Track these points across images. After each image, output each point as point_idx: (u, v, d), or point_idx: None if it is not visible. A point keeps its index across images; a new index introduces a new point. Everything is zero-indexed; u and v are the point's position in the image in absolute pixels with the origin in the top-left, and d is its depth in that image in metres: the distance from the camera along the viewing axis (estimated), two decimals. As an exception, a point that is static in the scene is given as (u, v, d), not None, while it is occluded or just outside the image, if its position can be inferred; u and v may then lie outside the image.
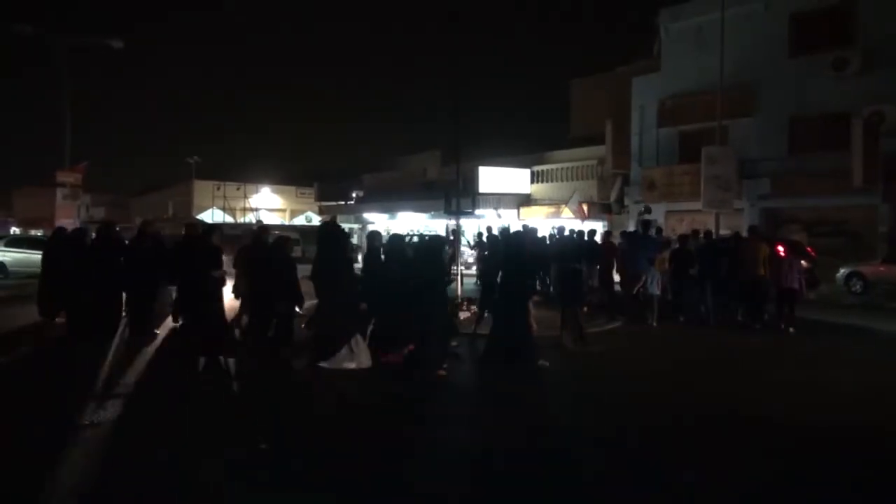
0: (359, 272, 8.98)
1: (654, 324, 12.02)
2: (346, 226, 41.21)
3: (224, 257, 8.45)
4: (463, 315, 11.38)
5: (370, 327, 8.48)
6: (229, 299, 8.93)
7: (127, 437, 5.47)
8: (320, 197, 47.11)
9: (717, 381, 7.96)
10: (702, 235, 13.76)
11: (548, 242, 15.45)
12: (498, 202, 30.34)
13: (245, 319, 9.24)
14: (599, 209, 27.58)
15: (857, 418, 6.38)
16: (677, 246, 12.99)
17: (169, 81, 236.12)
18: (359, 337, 7.93)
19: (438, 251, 8.63)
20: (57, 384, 7.31)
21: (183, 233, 9.82)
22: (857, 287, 18.21)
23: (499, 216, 25.88)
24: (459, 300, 12.15)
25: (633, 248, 13.15)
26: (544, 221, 26.33)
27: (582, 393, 7.44)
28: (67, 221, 21.01)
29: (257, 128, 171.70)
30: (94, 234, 10.58)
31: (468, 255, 23.31)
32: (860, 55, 19.68)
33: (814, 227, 20.78)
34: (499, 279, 8.88)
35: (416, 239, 23.06)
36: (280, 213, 63.58)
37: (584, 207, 26.44)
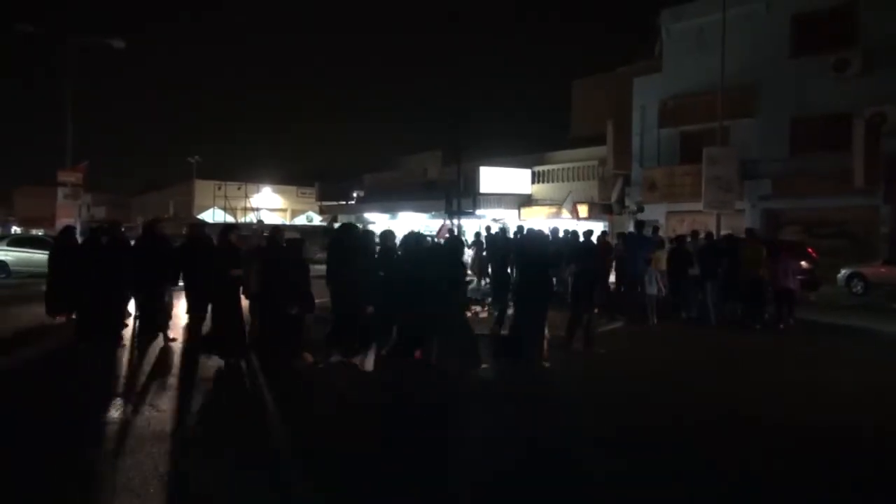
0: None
1: (655, 321, 12.06)
2: (346, 226, 41.27)
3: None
4: (482, 314, 11.37)
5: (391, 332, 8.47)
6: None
7: (129, 438, 5.48)
8: (321, 197, 47.15)
9: (717, 382, 7.95)
10: (702, 236, 13.77)
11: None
12: (498, 202, 30.35)
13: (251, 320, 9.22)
14: (600, 210, 27.57)
15: (857, 418, 6.37)
16: (674, 245, 13.02)
17: (169, 81, 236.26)
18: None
19: (458, 251, 8.67)
20: (66, 384, 7.32)
21: (184, 232, 9.79)
22: (859, 288, 18.20)
23: (494, 221, 25.86)
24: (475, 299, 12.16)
25: (630, 249, 13.14)
26: (545, 222, 26.33)
27: (582, 393, 7.44)
28: (68, 221, 21.03)
29: (258, 127, 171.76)
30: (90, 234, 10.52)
31: (467, 254, 23.31)
32: (861, 56, 19.68)
33: (815, 228, 20.78)
34: (515, 278, 8.85)
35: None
36: (281, 213, 63.62)
37: (579, 208, 26.46)
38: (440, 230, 17.66)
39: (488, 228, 15.82)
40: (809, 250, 17.55)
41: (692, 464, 5.08)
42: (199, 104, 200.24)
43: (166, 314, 9.63)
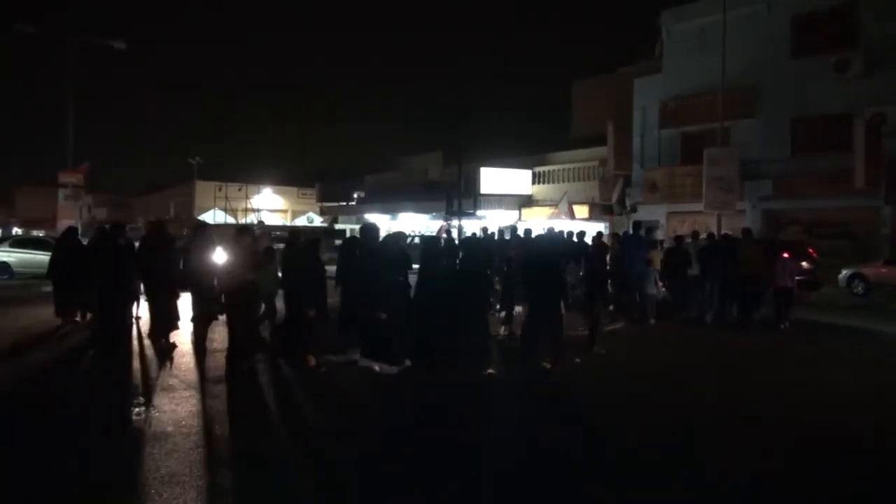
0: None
1: (654, 322, 12.08)
2: (347, 227, 41.38)
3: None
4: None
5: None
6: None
7: (140, 439, 5.48)
8: (322, 198, 47.21)
9: (717, 382, 7.94)
10: (703, 236, 13.77)
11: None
12: (499, 203, 30.38)
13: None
14: (601, 210, 27.59)
15: (857, 418, 6.36)
16: (671, 245, 13.04)
17: (169, 81, 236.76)
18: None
19: (484, 253, 8.69)
20: (84, 388, 7.31)
21: (185, 233, 9.75)
22: (859, 289, 18.18)
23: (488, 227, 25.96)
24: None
25: (626, 249, 13.14)
26: (545, 222, 26.36)
27: (582, 393, 7.44)
28: (69, 222, 21.06)
29: (258, 128, 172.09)
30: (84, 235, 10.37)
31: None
32: (862, 56, 19.69)
33: (815, 229, 20.77)
34: (527, 278, 8.84)
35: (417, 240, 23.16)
36: (282, 214, 63.65)
37: (574, 208, 26.52)
38: (439, 230, 17.67)
39: (485, 229, 15.86)
40: (810, 251, 17.55)
41: (692, 464, 5.08)
42: (199, 104, 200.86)
43: (176, 316, 9.53)
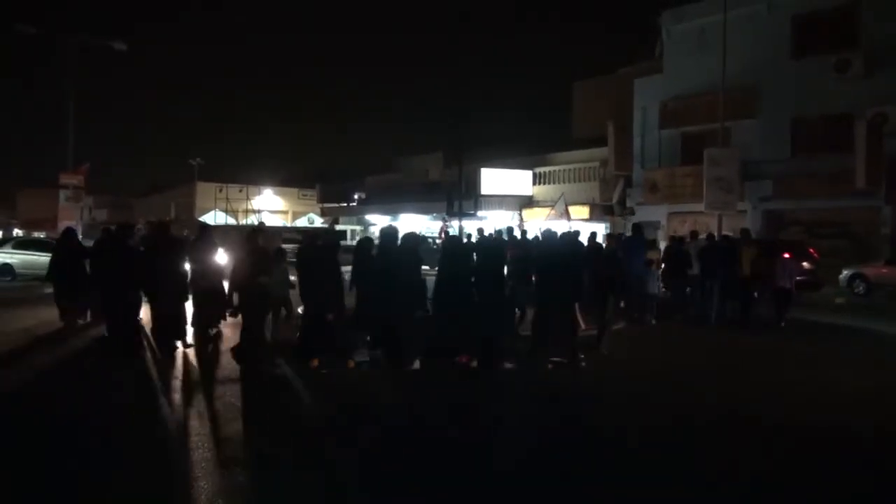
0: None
1: (654, 322, 12.08)
2: (347, 227, 41.40)
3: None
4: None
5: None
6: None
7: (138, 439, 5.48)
8: (322, 199, 47.18)
9: (717, 382, 7.94)
10: (703, 236, 13.78)
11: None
12: (500, 204, 30.38)
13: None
14: (601, 211, 27.58)
15: (857, 418, 6.36)
16: (668, 245, 13.06)
17: (169, 82, 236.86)
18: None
19: (503, 252, 8.79)
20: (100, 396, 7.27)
21: (185, 233, 9.67)
22: (860, 289, 18.17)
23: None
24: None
25: (626, 251, 13.13)
26: (542, 224, 26.37)
27: (582, 393, 7.43)
28: (70, 223, 21.07)
29: (258, 128, 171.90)
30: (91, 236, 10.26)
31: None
32: (862, 57, 19.67)
33: (816, 229, 20.76)
34: (539, 279, 8.86)
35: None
36: (282, 215, 63.67)
37: (571, 210, 26.53)
38: (440, 231, 17.68)
39: (480, 231, 15.91)
40: (811, 251, 17.54)
41: (692, 464, 5.07)
42: (199, 104, 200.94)
43: (183, 320, 9.36)
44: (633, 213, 24.47)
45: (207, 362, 8.33)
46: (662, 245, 16.59)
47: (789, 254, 12.58)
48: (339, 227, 41.38)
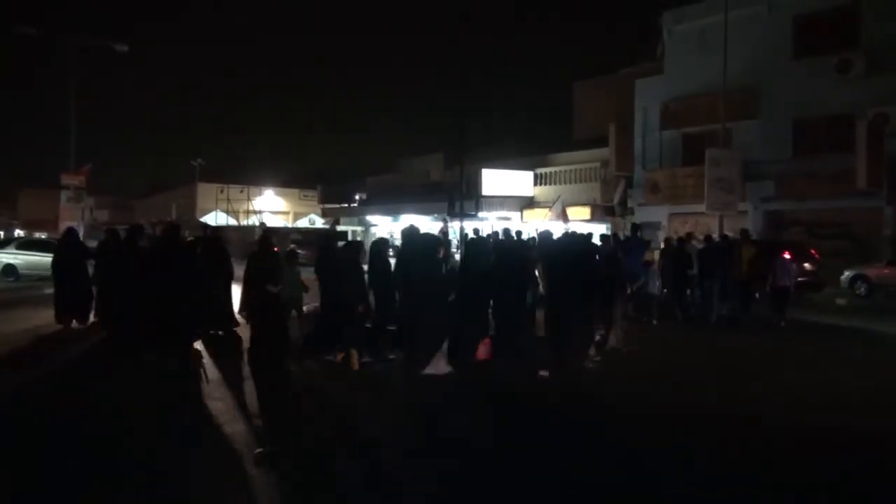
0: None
1: (655, 322, 12.08)
2: (348, 228, 41.37)
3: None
4: None
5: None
6: None
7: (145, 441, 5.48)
8: (323, 199, 47.15)
9: (717, 382, 7.92)
10: (701, 238, 13.82)
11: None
12: (501, 205, 30.35)
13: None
14: (602, 211, 27.55)
15: (857, 419, 6.35)
16: (666, 246, 13.08)
17: (170, 82, 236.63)
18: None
19: (523, 252, 8.89)
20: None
21: (185, 234, 9.61)
22: (862, 290, 18.15)
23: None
24: None
25: (626, 251, 13.13)
26: (544, 224, 26.38)
27: (582, 393, 7.43)
28: (71, 223, 21.09)
29: (259, 128, 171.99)
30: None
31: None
32: (864, 57, 19.64)
33: (817, 230, 20.72)
34: (552, 280, 8.84)
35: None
36: (283, 216, 63.69)
37: (568, 211, 26.57)
38: (439, 232, 17.69)
39: (476, 231, 15.90)
40: (812, 251, 17.51)
41: (692, 464, 5.06)
42: (199, 105, 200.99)
43: (196, 323, 9.30)
44: (632, 213, 24.45)
45: (225, 366, 8.18)
46: (662, 245, 16.58)
47: (789, 253, 12.56)
48: (340, 228, 41.37)
